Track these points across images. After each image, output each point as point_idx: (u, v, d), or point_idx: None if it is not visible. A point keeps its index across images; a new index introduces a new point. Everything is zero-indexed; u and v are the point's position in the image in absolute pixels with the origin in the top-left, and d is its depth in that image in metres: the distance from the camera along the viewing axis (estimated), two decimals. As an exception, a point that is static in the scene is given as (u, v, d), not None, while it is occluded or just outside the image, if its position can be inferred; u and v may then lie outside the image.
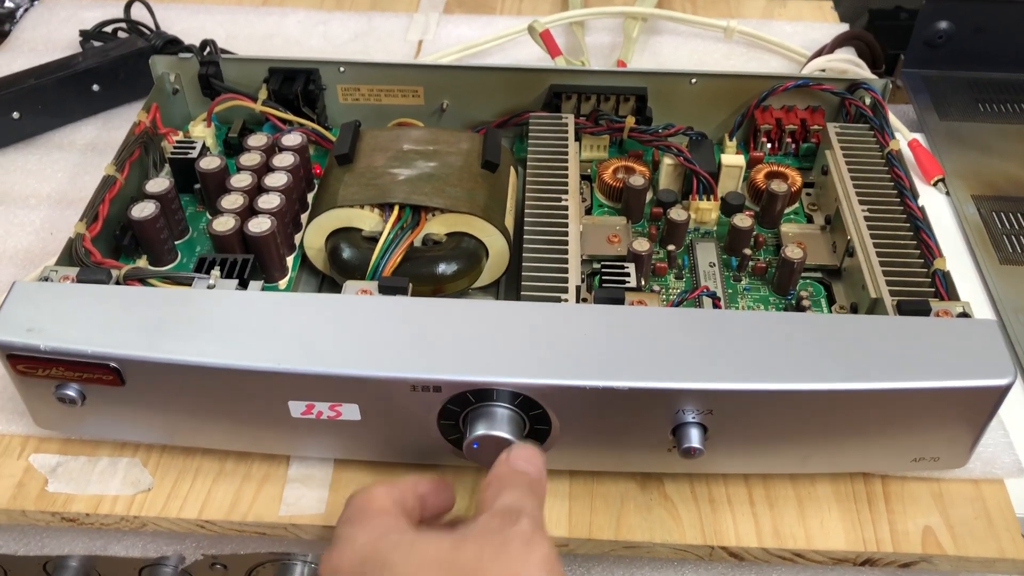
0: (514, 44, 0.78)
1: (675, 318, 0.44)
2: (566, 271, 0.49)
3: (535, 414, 0.43)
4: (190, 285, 0.46)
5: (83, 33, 0.77)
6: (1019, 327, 0.58)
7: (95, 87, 0.69)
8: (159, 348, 0.42)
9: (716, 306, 0.48)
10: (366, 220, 0.52)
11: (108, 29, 0.78)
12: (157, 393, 0.44)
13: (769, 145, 0.62)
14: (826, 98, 0.62)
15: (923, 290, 0.49)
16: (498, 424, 0.42)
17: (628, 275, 0.50)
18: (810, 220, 0.58)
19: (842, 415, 0.43)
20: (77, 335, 0.42)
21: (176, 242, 0.55)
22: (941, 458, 0.46)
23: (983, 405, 0.43)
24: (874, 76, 0.68)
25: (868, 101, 0.60)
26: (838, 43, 0.76)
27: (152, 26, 0.77)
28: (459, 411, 0.43)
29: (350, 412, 0.44)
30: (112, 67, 0.70)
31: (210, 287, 0.46)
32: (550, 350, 0.43)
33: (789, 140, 0.62)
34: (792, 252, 0.52)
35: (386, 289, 0.46)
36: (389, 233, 0.50)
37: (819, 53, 0.75)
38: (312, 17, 0.82)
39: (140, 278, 0.47)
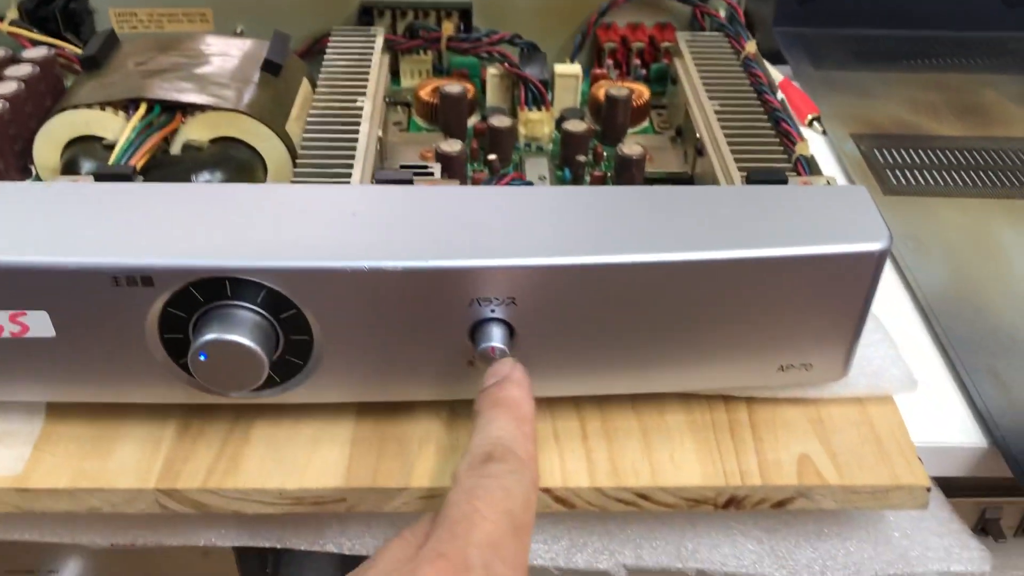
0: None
1: (471, 197, 0.35)
2: (353, 152, 0.40)
3: (287, 317, 0.33)
4: None
5: None
6: (908, 254, 0.50)
7: None
8: None
9: (533, 198, 0.39)
10: (108, 124, 0.42)
11: None
12: None
13: (616, 69, 0.54)
14: (676, 10, 0.55)
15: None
16: (236, 328, 0.32)
17: (431, 175, 0.41)
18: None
19: (684, 302, 0.34)
20: None
21: None
22: (814, 365, 0.37)
23: (859, 280, 0.34)
24: None
25: (724, 13, 0.53)
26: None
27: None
28: (185, 317, 0.33)
29: (40, 324, 0.33)
30: None
31: None
32: (306, 231, 0.33)
33: (637, 61, 0.54)
34: (631, 149, 0.43)
35: (105, 178, 0.36)
36: (132, 131, 0.40)
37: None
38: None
39: None
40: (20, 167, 0.44)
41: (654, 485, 0.35)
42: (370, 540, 0.40)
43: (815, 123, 0.61)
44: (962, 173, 0.57)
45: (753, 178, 0.37)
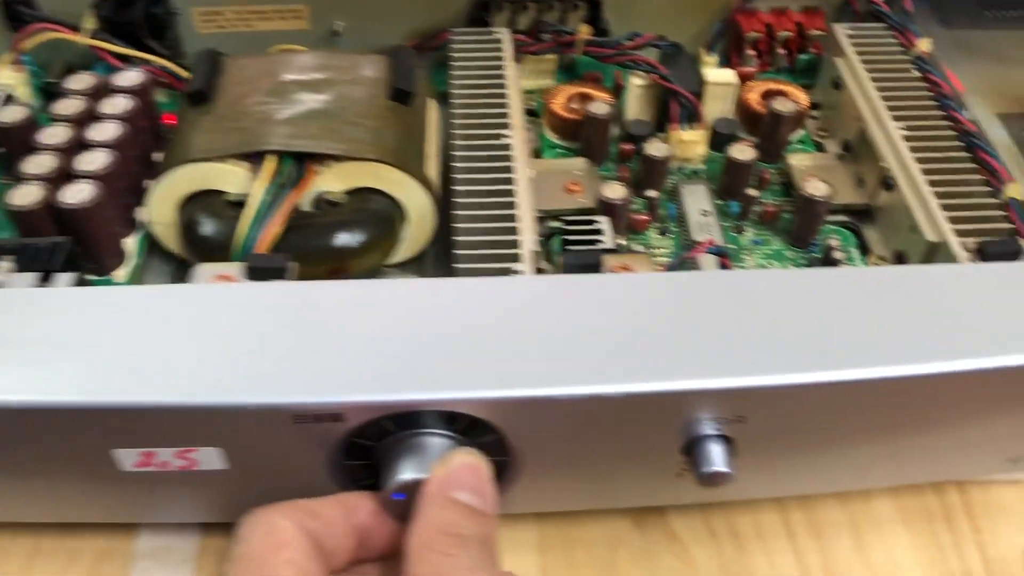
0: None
1: (676, 287, 0.31)
2: (515, 232, 0.35)
3: (486, 442, 0.29)
4: (-35, 285, 0.31)
5: None
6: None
7: None
8: None
9: (725, 267, 0.35)
10: (231, 179, 0.37)
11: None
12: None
13: (758, 59, 0.49)
14: (826, -7, 0.49)
15: (996, 227, 0.36)
16: (431, 459, 0.29)
17: (600, 232, 0.36)
18: (821, 149, 0.45)
19: (922, 408, 0.30)
20: None
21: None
22: (1047, 455, 0.33)
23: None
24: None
25: (883, -4, 0.47)
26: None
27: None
28: (371, 445, 0.29)
29: (210, 459, 0.29)
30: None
31: (-3, 286, 0.32)
32: (502, 347, 0.29)
33: (782, 51, 0.48)
34: (815, 188, 0.38)
35: (257, 272, 0.32)
36: (262, 194, 0.36)
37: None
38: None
39: None
40: (128, 221, 0.39)
41: (878, 595, 0.33)
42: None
43: (960, 101, 0.55)
44: None
45: (991, 252, 0.33)
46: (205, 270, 0.32)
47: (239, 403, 0.27)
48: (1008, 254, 0.33)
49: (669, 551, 0.34)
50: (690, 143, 0.43)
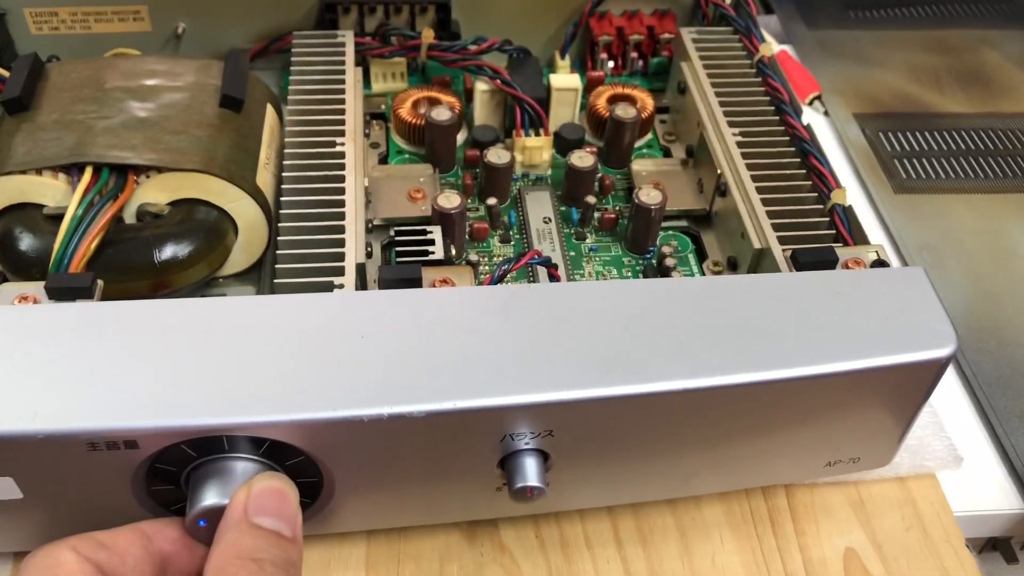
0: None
1: (493, 302, 0.31)
2: (341, 244, 0.35)
3: (294, 464, 0.29)
4: None
5: None
6: (928, 268, 0.47)
7: None
8: None
9: (553, 277, 0.35)
10: (49, 191, 0.36)
11: None
12: None
13: (611, 63, 0.49)
14: (677, -3, 0.49)
15: (821, 233, 0.37)
16: (236, 485, 0.28)
17: (432, 243, 0.36)
18: (667, 154, 0.45)
19: (737, 419, 0.30)
20: None
21: None
22: (862, 458, 0.34)
23: (919, 384, 0.31)
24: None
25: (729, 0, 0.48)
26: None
27: None
28: (176, 471, 0.28)
29: (3, 489, 0.28)
30: None
31: None
32: (307, 367, 0.28)
33: (635, 55, 0.49)
34: (648, 196, 0.39)
35: (59, 292, 0.31)
36: (78, 206, 0.35)
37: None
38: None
39: None
40: (-57, 234, 0.37)
41: (699, 601, 0.33)
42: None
43: (816, 102, 0.57)
44: (971, 160, 0.53)
45: (803, 261, 0.33)
46: (6, 290, 0.31)
47: (24, 432, 0.26)
48: (822, 263, 0.34)
49: (498, 563, 0.34)
50: (534, 149, 0.43)
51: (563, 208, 0.42)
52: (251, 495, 0.27)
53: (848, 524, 0.35)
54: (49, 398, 0.27)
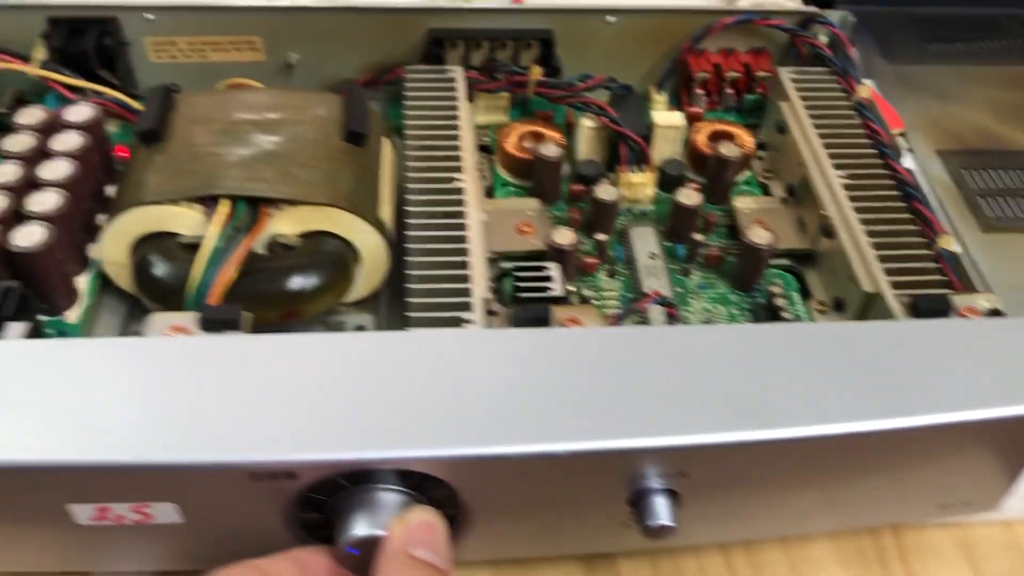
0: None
1: (623, 343, 0.32)
2: (467, 280, 0.36)
3: (438, 496, 0.30)
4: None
5: None
6: (1018, 309, 0.47)
7: None
8: None
9: (672, 317, 0.36)
10: (185, 221, 0.37)
11: None
12: None
13: (707, 99, 0.50)
14: (773, 36, 0.50)
15: (929, 279, 0.37)
16: (384, 514, 0.29)
17: (549, 279, 0.37)
18: (766, 191, 0.46)
19: (860, 462, 0.31)
20: None
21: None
22: (973, 501, 0.35)
23: (1037, 434, 0.32)
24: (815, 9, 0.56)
25: (825, 39, 0.49)
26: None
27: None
28: (325, 500, 0.30)
29: (165, 514, 0.30)
30: None
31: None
32: (452, 403, 0.29)
33: (730, 91, 0.50)
34: (758, 236, 0.40)
35: (211, 324, 0.32)
36: (216, 238, 0.36)
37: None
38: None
39: None
40: (82, 259, 0.39)
41: (812, 637, 0.34)
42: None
43: (901, 139, 0.57)
44: (1057, 200, 0.54)
45: (923, 309, 0.34)
46: (158, 321, 0.32)
47: (193, 462, 0.28)
48: (938, 311, 0.34)
49: (615, 594, 0.35)
50: (638, 185, 0.44)
51: (667, 244, 0.43)
52: (408, 529, 0.28)
53: (957, 566, 0.36)
54: (215, 429, 0.28)
